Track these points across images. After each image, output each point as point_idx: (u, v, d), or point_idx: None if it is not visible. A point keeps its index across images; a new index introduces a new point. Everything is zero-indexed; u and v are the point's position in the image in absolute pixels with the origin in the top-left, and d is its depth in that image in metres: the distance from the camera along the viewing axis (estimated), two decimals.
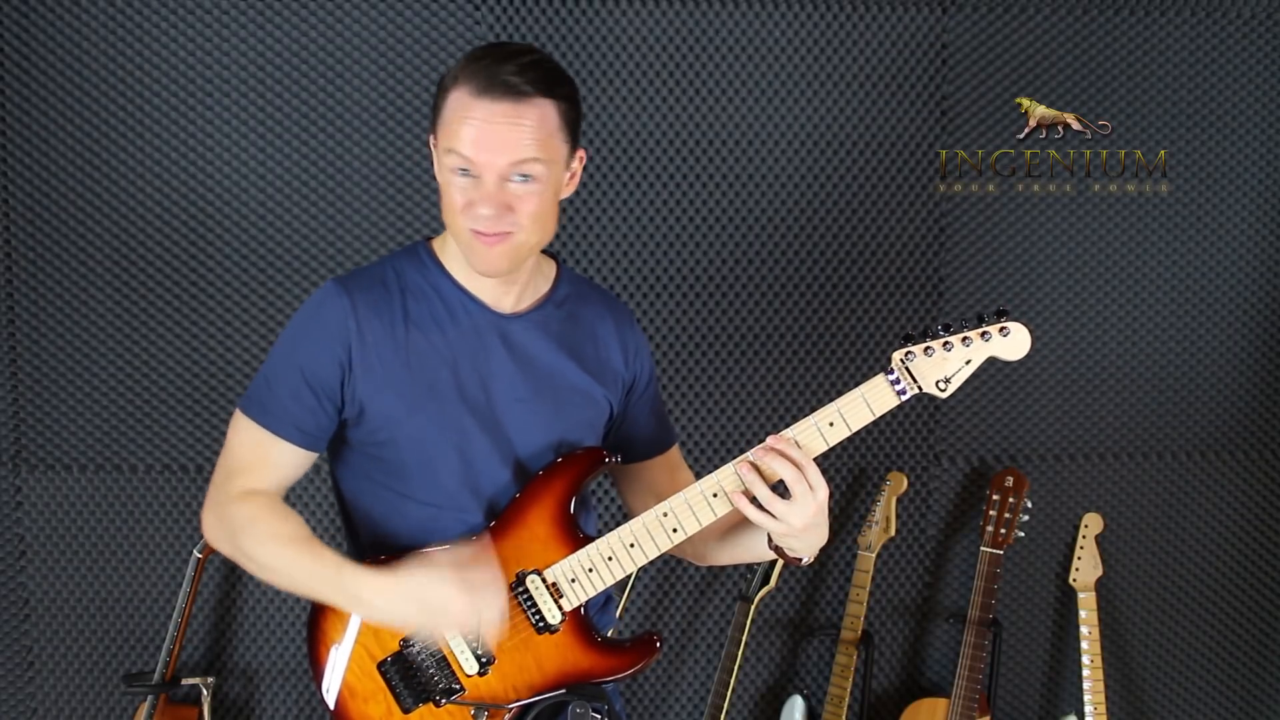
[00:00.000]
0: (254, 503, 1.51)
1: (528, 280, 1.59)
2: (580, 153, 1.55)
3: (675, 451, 1.78)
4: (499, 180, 1.44)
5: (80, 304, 2.69)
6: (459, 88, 1.45)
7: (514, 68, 1.43)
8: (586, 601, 1.55)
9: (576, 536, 1.54)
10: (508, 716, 1.53)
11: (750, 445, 1.49)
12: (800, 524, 1.45)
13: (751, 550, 1.61)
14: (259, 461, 1.54)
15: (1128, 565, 2.97)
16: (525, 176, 1.45)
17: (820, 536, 1.51)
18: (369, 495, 1.59)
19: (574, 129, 1.52)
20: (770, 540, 1.53)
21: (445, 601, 1.42)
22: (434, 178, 1.56)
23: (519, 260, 1.51)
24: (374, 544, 1.59)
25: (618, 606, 1.78)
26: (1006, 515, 2.71)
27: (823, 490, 1.45)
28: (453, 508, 1.55)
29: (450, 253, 1.58)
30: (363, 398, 1.52)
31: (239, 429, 1.56)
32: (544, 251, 1.61)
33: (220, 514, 1.53)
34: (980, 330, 1.48)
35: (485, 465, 1.56)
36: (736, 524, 1.60)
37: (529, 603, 1.52)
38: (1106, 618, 2.94)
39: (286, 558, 1.49)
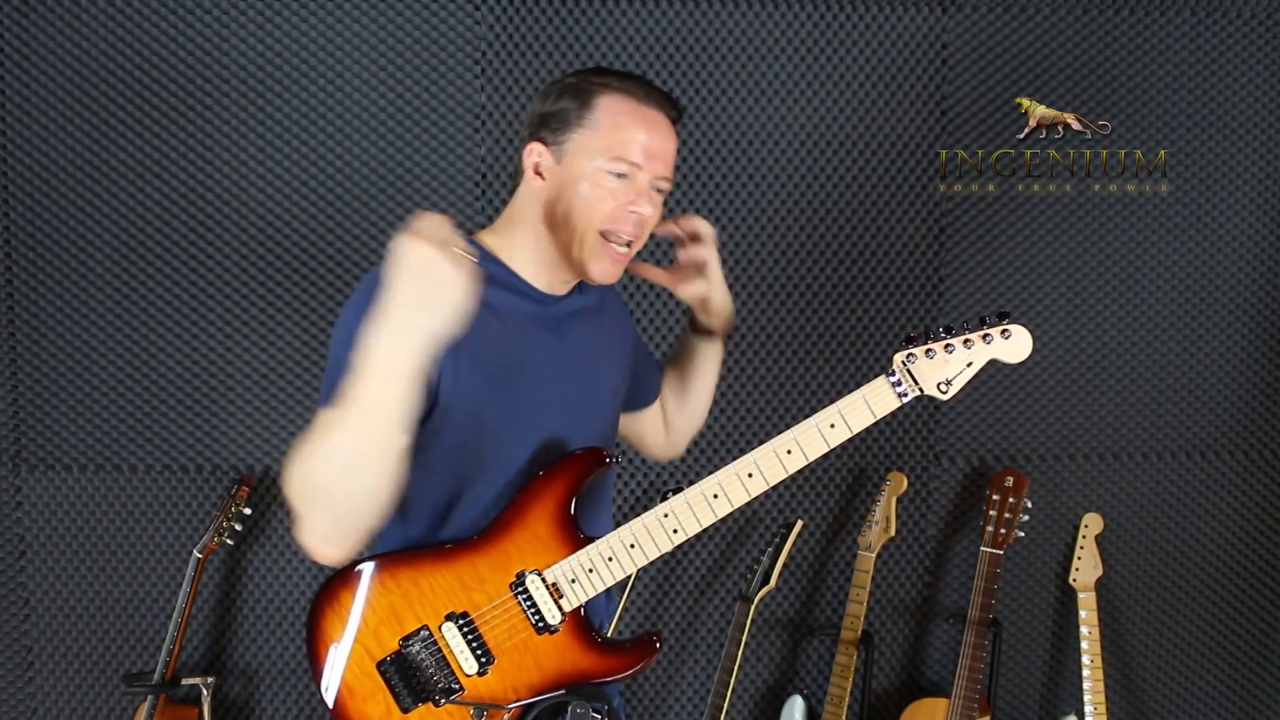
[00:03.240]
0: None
1: None
2: None
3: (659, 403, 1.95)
4: (650, 185, 1.54)
5: (80, 304, 2.69)
6: (613, 95, 1.53)
7: (653, 86, 1.57)
8: (587, 602, 1.55)
9: (577, 537, 1.55)
10: (507, 717, 1.53)
11: (750, 446, 1.50)
12: (715, 266, 1.72)
13: (705, 357, 1.85)
14: None
15: (1128, 565, 2.97)
16: (661, 189, 1.57)
17: (723, 285, 1.76)
18: (415, 487, 1.56)
19: None
20: (698, 327, 1.80)
21: (411, 251, 1.27)
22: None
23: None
24: (427, 528, 1.57)
25: (618, 605, 1.78)
26: (1006, 515, 2.71)
27: (705, 226, 1.72)
28: (508, 483, 1.55)
29: (515, 249, 1.59)
30: (449, 377, 1.47)
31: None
32: None
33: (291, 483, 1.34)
34: (982, 332, 1.48)
35: (544, 440, 1.58)
36: (683, 358, 1.88)
37: (529, 602, 1.52)
38: (1106, 618, 2.94)
39: (329, 431, 1.29)
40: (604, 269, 1.56)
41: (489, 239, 1.61)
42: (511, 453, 1.56)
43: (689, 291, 1.75)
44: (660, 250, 2.79)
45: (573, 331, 1.63)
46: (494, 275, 1.57)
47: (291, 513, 1.47)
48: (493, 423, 1.53)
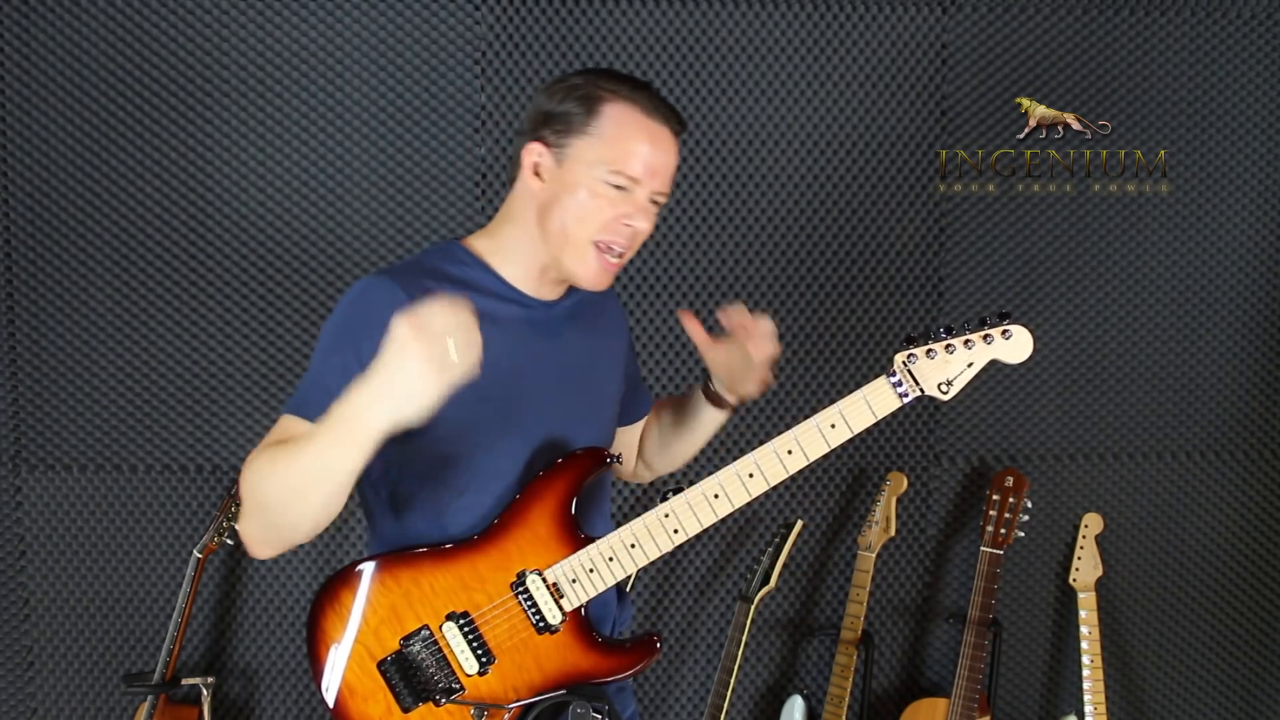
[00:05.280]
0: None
1: None
2: None
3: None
4: (648, 199, 1.53)
5: (80, 304, 2.69)
6: (620, 103, 1.51)
7: (659, 97, 1.55)
8: (595, 601, 1.55)
9: (577, 537, 1.55)
10: (508, 717, 1.53)
11: (751, 446, 1.50)
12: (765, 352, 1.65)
13: (704, 421, 1.79)
14: None
15: (1128, 565, 2.97)
16: (656, 203, 1.55)
17: (762, 380, 1.70)
18: (406, 488, 1.57)
19: None
20: (709, 391, 1.74)
21: (404, 347, 1.25)
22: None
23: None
24: (402, 537, 1.58)
25: (630, 614, 1.78)
26: (1006, 515, 2.71)
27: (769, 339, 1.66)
28: (502, 492, 1.55)
29: (505, 254, 1.58)
30: None
31: (288, 432, 1.43)
32: None
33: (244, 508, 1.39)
34: (982, 333, 1.48)
35: (541, 447, 1.57)
36: (684, 410, 1.82)
37: (529, 602, 1.52)
38: (1106, 618, 2.94)
39: (286, 456, 1.33)
40: (593, 277, 1.54)
41: (481, 243, 1.60)
42: (503, 462, 1.55)
43: (720, 364, 1.70)
44: (656, 258, 2.79)
45: (566, 335, 1.62)
46: (483, 284, 1.56)
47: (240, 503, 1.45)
48: (481, 433, 1.52)
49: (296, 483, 1.32)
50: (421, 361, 1.25)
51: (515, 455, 1.56)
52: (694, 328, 1.69)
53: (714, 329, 1.70)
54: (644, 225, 1.53)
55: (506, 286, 1.57)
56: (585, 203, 1.51)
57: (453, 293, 1.44)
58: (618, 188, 1.50)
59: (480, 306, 1.49)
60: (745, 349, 1.66)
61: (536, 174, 1.54)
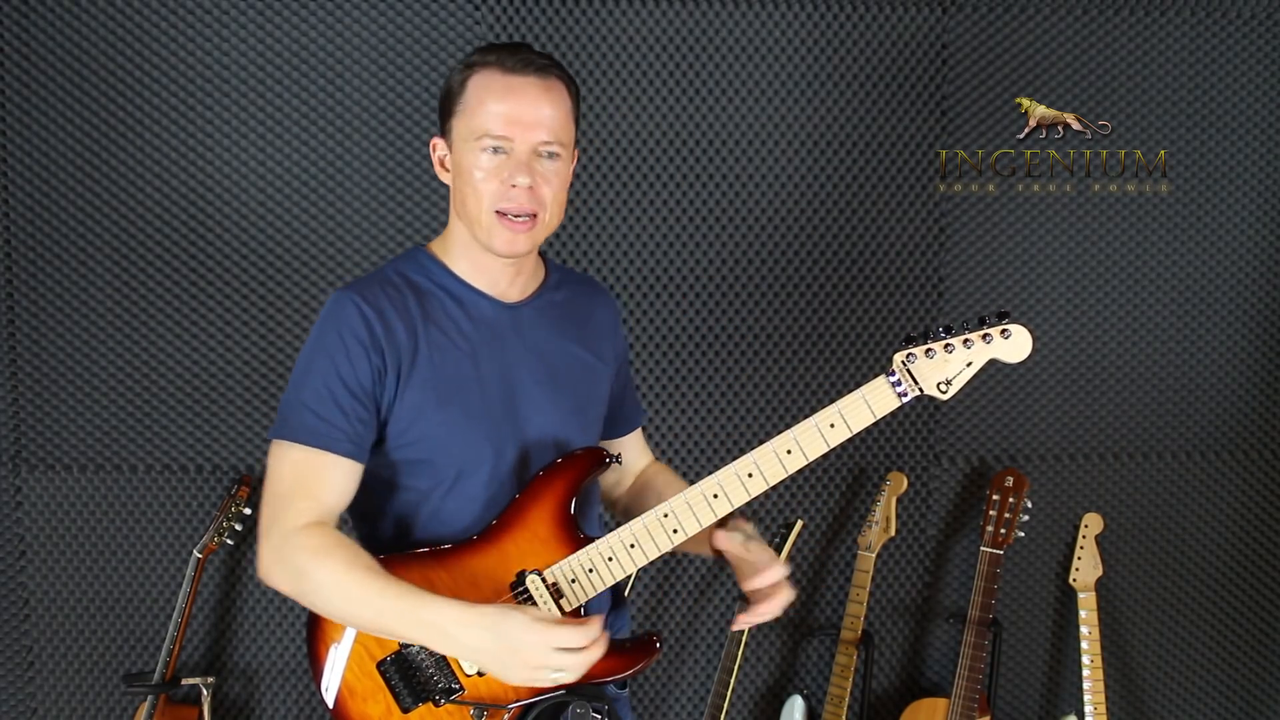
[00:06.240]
0: (317, 536, 1.44)
1: (531, 270, 1.63)
2: (576, 151, 1.60)
3: (640, 431, 1.88)
4: (531, 154, 1.50)
5: (80, 304, 2.69)
6: (483, 71, 1.50)
7: (530, 53, 1.52)
8: (590, 604, 1.55)
9: (577, 537, 1.54)
10: (507, 717, 1.53)
11: (750, 445, 1.50)
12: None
13: (693, 541, 1.64)
14: (312, 485, 1.48)
15: (1128, 565, 2.97)
16: (553, 155, 1.51)
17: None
18: (382, 495, 1.59)
19: (577, 122, 1.58)
20: (715, 541, 1.63)
21: (520, 633, 1.35)
22: (433, 177, 1.56)
23: (536, 242, 1.56)
24: (378, 543, 1.58)
25: (626, 622, 1.78)
26: (1006, 515, 2.71)
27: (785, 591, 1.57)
28: (479, 498, 1.56)
29: (454, 252, 1.59)
30: (395, 397, 1.51)
31: (282, 458, 1.49)
32: None
33: (281, 554, 1.45)
34: (981, 332, 1.48)
35: (511, 453, 1.57)
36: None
37: (529, 603, 1.52)
38: (1106, 618, 2.94)
39: (357, 595, 1.41)
40: (505, 245, 1.52)
41: (438, 246, 1.62)
42: (475, 463, 1.55)
43: (727, 549, 1.61)
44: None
45: (535, 334, 1.61)
46: (445, 285, 1.57)
47: (261, 542, 1.49)
48: (451, 436, 1.52)
49: (351, 618, 1.46)
50: (526, 670, 1.37)
51: (486, 458, 1.55)
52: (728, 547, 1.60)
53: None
54: (526, 181, 1.48)
55: (464, 286, 1.58)
56: (472, 178, 1.50)
57: (415, 301, 1.53)
58: (494, 151, 1.49)
59: (444, 310, 1.54)
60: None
61: (443, 167, 1.57)
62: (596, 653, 1.38)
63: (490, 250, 1.54)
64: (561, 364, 1.63)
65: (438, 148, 1.57)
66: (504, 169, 1.49)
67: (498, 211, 1.50)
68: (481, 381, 1.55)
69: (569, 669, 1.37)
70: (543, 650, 1.36)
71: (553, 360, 1.62)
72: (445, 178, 1.57)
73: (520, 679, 1.38)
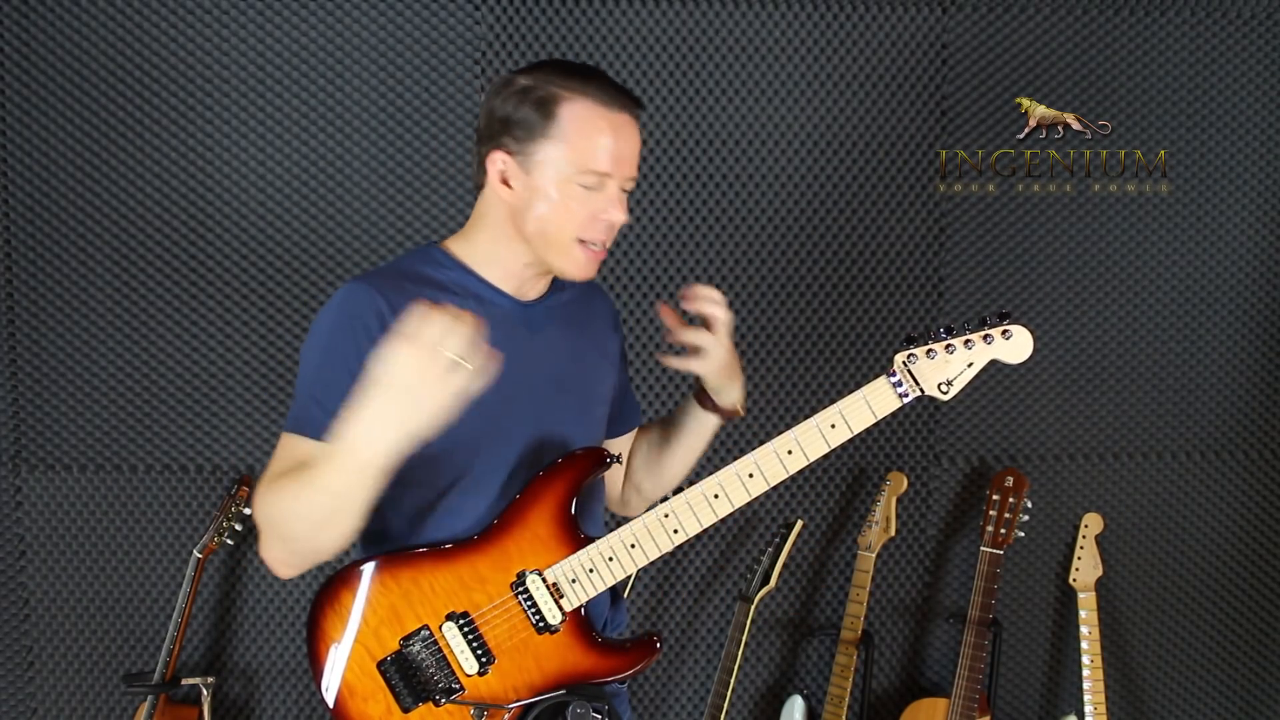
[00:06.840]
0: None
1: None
2: None
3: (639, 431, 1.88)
4: (620, 190, 1.53)
5: (80, 304, 2.69)
6: (579, 101, 1.49)
7: (617, 85, 1.53)
8: (588, 602, 1.55)
9: (577, 537, 1.55)
10: (507, 717, 1.53)
11: (751, 446, 1.50)
12: (724, 351, 1.62)
13: (694, 429, 1.73)
14: None
15: (1128, 565, 2.97)
16: (626, 190, 1.55)
17: (737, 373, 1.68)
18: (390, 490, 1.56)
19: None
20: (704, 399, 1.68)
21: (396, 364, 1.30)
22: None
23: None
24: (384, 538, 1.58)
25: (624, 619, 1.78)
26: (1006, 515, 2.71)
27: (724, 312, 1.62)
28: (488, 495, 1.55)
29: (480, 254, 1.58)
30: None
31: (290, 449, 1.46)
32: None
33: (261, 527, 1.43)
34: (982, 333, 1.48)
35: (523, 451, 1.57)
36: (673, 420, 1.76)
37: (529, 602, 1.52)
38: (1106, 618, 2.94)
39: (300, 488, 1.36)
40: (582, 270, 1.55)
41: (458, 246, 1.60)
42: (488, 461, 1.55)
43: (681, 366, 1.66)
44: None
45: (550, 332, 1.62)
46: (466, 286, 1.56)
47: (257, 529, 1.47)
48: (465, 433, 1.50)
49: (316, 515, 1.36)
50: (417, 375, 1.29)
51: (501, 454, 1.56)
52: (670, 319, 1.67)
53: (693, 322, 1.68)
54: (620, 217, 1.53)
55: (489, 287, 1.58)
56: (560, 205, 1.50)
57: (433, 297, 1.48)
58: (588, 186, 1.50)
59: (467, 309, 1.51)
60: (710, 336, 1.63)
61: (505, 182, 1.53)
62: (468, 323, 1.32)
63: (555, 270, 1.56)
64: (571, 362, 1.64)
65: (500, 162, 1.53)
66: (597, 202, 1.51)
67: (579, 239, 1.52)
68: (504, 378, 1.55)
69: (457, 350, 1.31)
70: (425, 349, 1.30)
71: (563, 359, 1.63)
72: (502, 192, 1.53)
73: (438, 391, 1.31)
